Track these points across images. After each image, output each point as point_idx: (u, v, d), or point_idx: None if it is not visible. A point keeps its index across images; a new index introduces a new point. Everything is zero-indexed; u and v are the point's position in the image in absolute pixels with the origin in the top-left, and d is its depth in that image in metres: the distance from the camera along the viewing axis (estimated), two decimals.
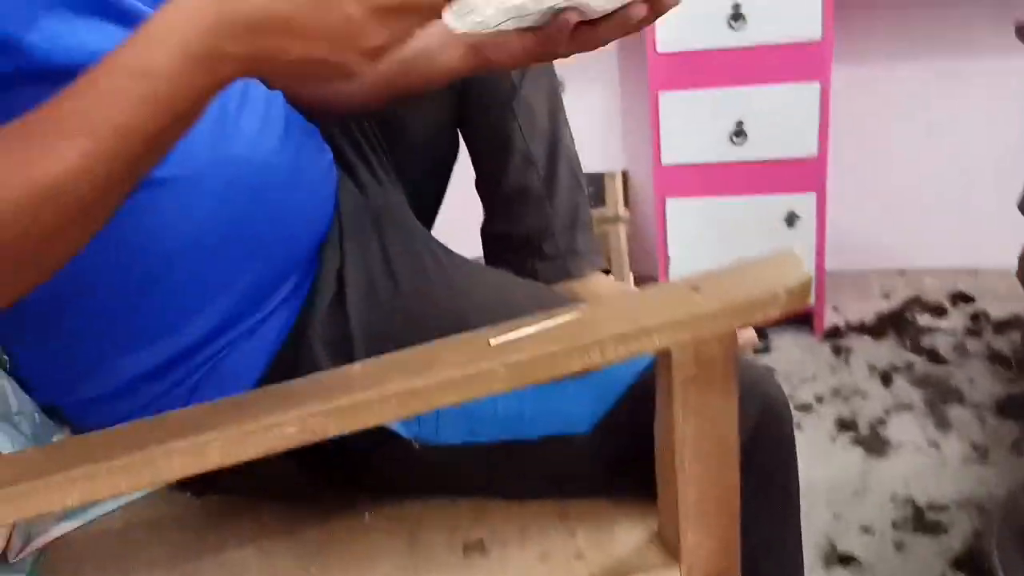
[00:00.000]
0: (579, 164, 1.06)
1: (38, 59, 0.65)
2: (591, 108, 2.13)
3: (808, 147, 1.78)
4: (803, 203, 1.82)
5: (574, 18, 0.66)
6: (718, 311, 0.63)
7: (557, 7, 0.67)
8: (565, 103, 1.08)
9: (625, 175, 2.18)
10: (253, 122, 0.82)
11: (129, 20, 0.75)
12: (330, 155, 0.96)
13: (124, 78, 0.55)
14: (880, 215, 2.12)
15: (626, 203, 2.25)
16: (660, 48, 1.76)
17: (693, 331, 0.63)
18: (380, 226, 0.92)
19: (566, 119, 1.07)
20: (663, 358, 0.66)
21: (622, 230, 2.35)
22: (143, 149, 0.57)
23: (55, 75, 0.67)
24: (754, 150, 1.80)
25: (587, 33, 0.72)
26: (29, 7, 0.65)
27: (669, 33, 1.74)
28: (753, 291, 0.64)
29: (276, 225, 0.84)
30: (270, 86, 0.85)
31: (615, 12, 0.68)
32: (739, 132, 1.79)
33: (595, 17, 0.67)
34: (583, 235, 1.02)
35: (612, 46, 2.04)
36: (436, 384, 0.61)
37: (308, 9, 0.54)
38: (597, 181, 2.25)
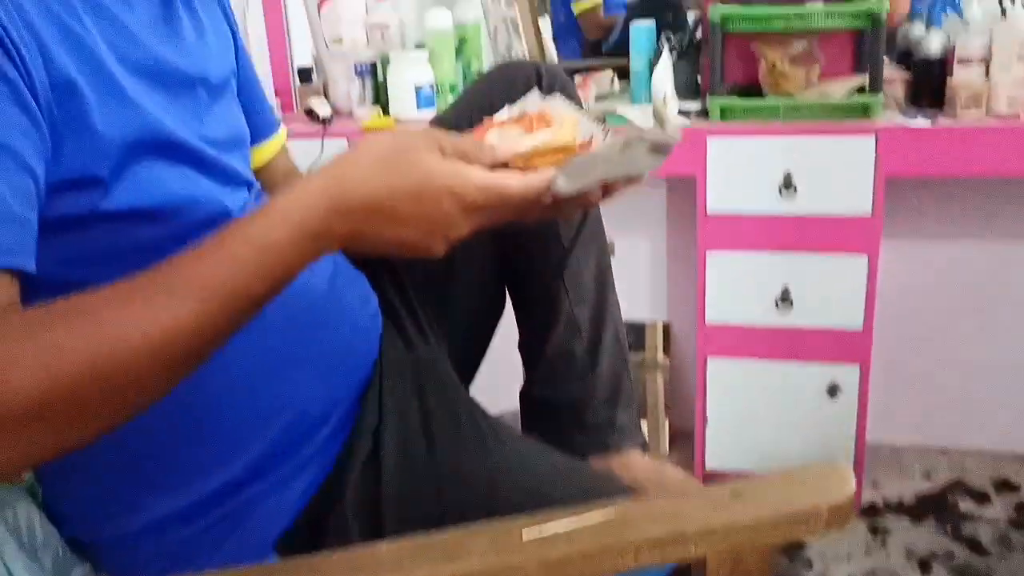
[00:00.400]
0: (624, 333, 1.06)
1: (121, 201, 0.69)
2: (638, 259, 2.15)
3: (854, 319, 1.77)
4: (846, 374, 1.80)
5: (548, 198, 0.72)
6: (757, 523, 0.62)
7: None
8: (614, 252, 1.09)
9: (667, 327, 2.18)
10: None
11: (207, 166, 0.79)
12: (376, 302, 0.98)
13: (246, 248, 0.61)
14: (924, 391, 2.08)
15: (666, 352, 2.24)
16: (711, 208, 1.78)
17: (731, 541, 0.62)
18: (421, 384, 0.92)
19: (614, 286, 1.08)
20: (698, 565, 0.64)
21: (660, 378, 2.34)
22: (248, 310, 0.63)
23: (134, 216, 0.71)
24: (799, 317, 1.79)
25: (553, 206, 0.76)
26: (119, 153, 0.69)
27: (720, 194, 1.77)
28: (795, 505, 0.62)
29: (318, 366, 0.85)
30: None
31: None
32: (784, 298, 1.78)
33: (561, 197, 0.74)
34: (624, 410, 1.01)
35: (662, 202, 2.08)
36: (464, 575, 0.59)
37: (411, 200, 0.64)
38: (638, 329, 2.26)
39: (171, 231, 0.73)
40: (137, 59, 0.75)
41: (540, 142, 0.71)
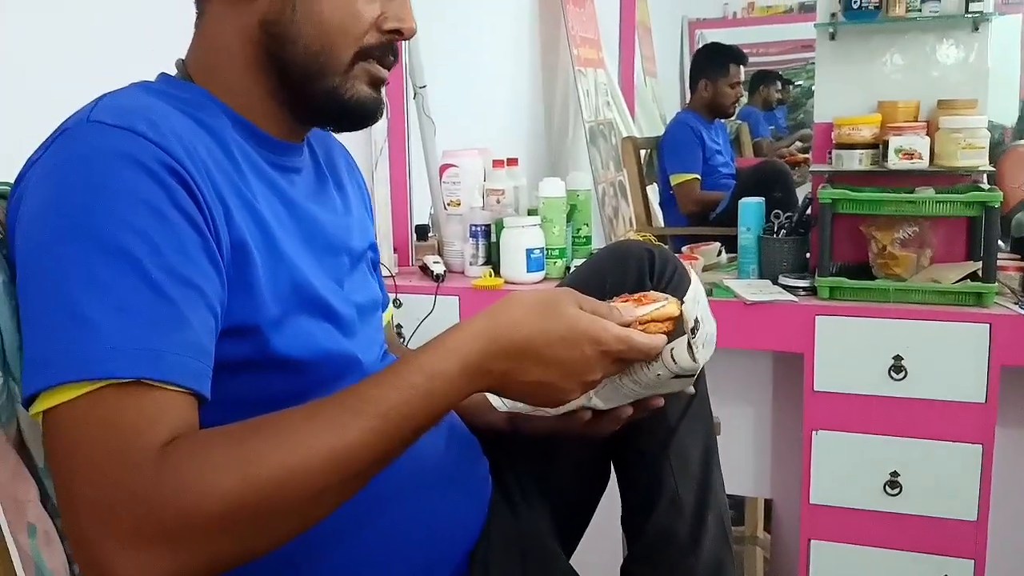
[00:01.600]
0: (728, 518, 1.04)
1: (274, 351, 0.76)
2: (741, 432, 2.11)
3: (967, 510, 1.69)
4: (959, 569, 1.71)
5: (587, 416, 0.87)
6: None
7: (571, 409, 0.87)
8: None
9: (768, 503, 2.12)
10: None
11: (345, 325, 0.85)
12: (487, 466, 1.00)
13: (418, 374, 0.69)
14: None
15: (766, 529, 2.17)
16: (818, 387, 1.76)
17: None
18: (526, 555, 0.92)
19: (719, 466, 1.07)
20: None
21: (759, 554, 2.25)
22: (413, 436, 0.70)
23: (284, 366, 0.77)
24: (909, 504, 1.73)
25: (593, 423, 0.89)
26: (278, 307, 0.76)
27: (828, 373, 1.75)
28: None
29: (429, 523, 0.86)
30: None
31: (612, 410, 0.88)
32: (894, 483, 1.73)
33: (600, 410, 0.88)
34: None
35: (769, 376, 2.07)
36: None
37: (557, 344, 0.73)
38: (738, 503, 2.20)
39: (312, 383, 0.78)
40: (294, 224, 0.83)
41: (653, 310, 0.82)
